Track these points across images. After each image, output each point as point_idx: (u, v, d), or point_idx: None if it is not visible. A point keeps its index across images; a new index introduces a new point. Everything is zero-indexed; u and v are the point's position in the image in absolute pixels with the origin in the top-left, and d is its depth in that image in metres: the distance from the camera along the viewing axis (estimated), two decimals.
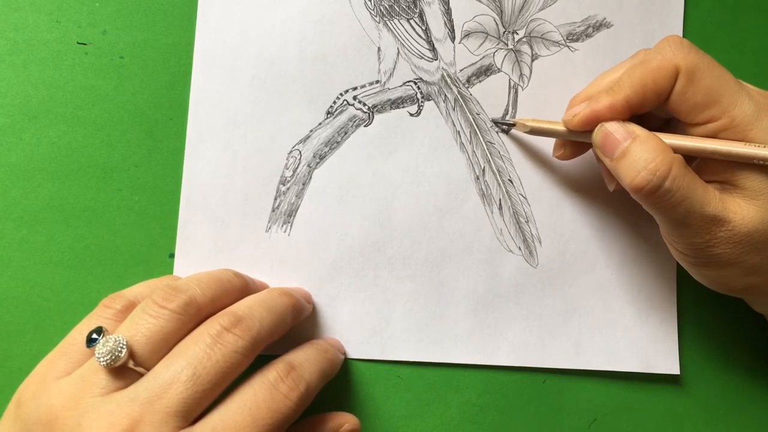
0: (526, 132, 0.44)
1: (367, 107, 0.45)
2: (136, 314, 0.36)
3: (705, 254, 0.39)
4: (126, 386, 0.34)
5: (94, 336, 0.35)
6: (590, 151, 0.46)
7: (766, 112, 0.38)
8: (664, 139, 0.39)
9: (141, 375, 0.35)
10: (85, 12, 0.45)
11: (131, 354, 0.35)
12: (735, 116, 0.38)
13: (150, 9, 0.45)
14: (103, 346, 0.34)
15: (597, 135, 0.40)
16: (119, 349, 0.34)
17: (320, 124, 0.45)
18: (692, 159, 0.39)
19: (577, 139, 0.42)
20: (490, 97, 0.46)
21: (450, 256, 0.46)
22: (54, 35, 0.44)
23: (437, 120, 0.46)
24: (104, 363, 0.34)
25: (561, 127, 0.42)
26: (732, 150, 0.38)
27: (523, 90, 0.46)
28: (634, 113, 0.40)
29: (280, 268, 0.45)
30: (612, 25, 0.47)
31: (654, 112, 0.42)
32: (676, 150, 0.38)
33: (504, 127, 0.46)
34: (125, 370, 0.34)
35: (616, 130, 0.39)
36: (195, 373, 0.34)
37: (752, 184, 0.38)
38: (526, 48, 0.47)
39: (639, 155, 0.38)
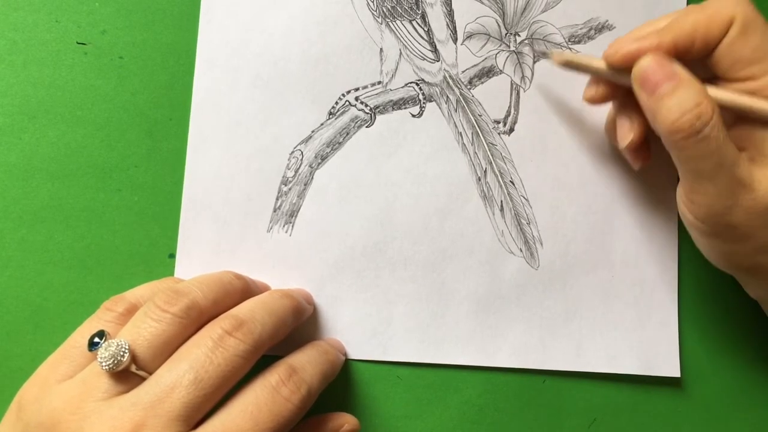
0: (560, 64, 0.42)
1: (369, 108, 0.45)
2: (138, 318, 0.36)
3: (722, 222, 0.38)
4: (128, 390, 0.34)
5: (96, 340, 0.35)
6: (589, 149, 0.46)
7: None
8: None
9: (143, 379, 0.35)
10: (85, 12, 0.44)
11: (133, 358, 0.34)
12: None
13: (149, 9, 0.45)
14: (105, 350, 0.34)
15: (639, 67, 0.38)
16: (121, 353, 0.34)
17: (322, 124, 0.45)
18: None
19: (614, 79, 0.40)
20: (492, 98, 0.46)
21: (451, 257, 0.46)
22: (53, 35, 0.44)
23: (439, 121, 0.46)
24: (106, 367, 0.34)
25: (600, 64, 0.40)
26: None
27: (524, 92, 0.46)
28: (679, 58, 0.38)
29: (281, 269, 0.45)
30: (614, 27, 0.47)
31: (692, 70, 0.40)
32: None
33: (539, 57, 0.46)
34: (127, 374, 0.34)
35: (662, 64, 0.38)
36: (197, 377, 0.34)
37: None
38: (528, 50, 0.47)
39: (685, 96, 0.36)
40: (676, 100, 0.36)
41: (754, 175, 0.37)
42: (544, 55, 0.46)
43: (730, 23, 0.37)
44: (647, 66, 0.38)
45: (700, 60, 0.39)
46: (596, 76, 0.42)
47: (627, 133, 0.41)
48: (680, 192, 0.40)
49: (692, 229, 0.41)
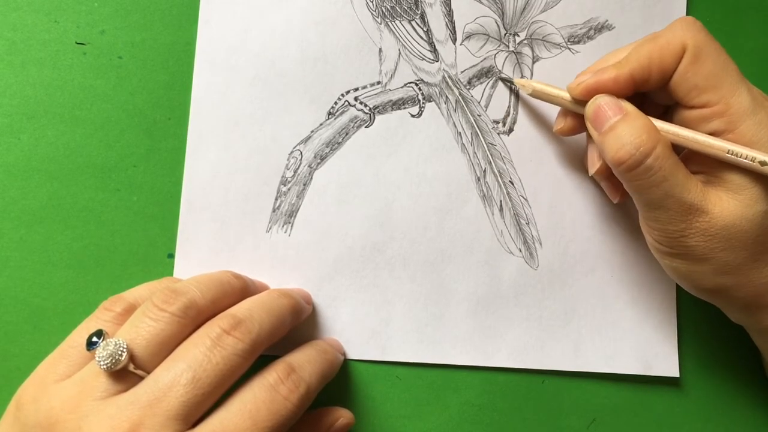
0: (528, 93, 0.44)
1: (368, 108, 0.45)
2: (137, 317, 0.36)
3: (678, 244, 0.39)
4: (126, 389, 0.34)
5: (95, 339, 0.35)
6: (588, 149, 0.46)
7: (762, 108, 0.38)
8: (653, 122, 0.39)
9: (141, 378, 0.35)
10: (84, 12, 0.44)
11: (131, 357, 0.34)
12: (731, 105, 0.38)
13: (148, 9, 0.45)
14: (103, 350, 0.34)
15: (590, 107, 0.40)
16: (119, 352, 0.34)
17: (321, 124, 0.45)
18: (683, 148, 0.40)
19: (578, 111, 0.42)
20: (491, 98, 0.46)
21: (450, 257, 0.46)
22: (52, 35, 0.44)
23: (438, 121, 0.46)
24: (104, 366, 0.34)
25: (564, 94, 0.42)
26: (708, 140, 0.38)
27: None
28: (638, 89, 0.40)
29: (280, 269, 0.45)
30: (614, 27, 0.47)
31: (656, 98, 0.42)
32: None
33: (509, 84, 0.46)
34: (125, 374, 0.34)
35: (608, 104, 0.39)
36: (195, 376, 0.34)
37: (736, 178, 0.38)
38: (527, 50, 0.47)
39: (626, 130, 0.38)
40: (616, 134, 0.38)
41: (708, 198, 0.38)
42: (510, 82, 0.46)
43: (683, 52, 0.39)
44: (597, 106, 0.40)
45: (661, 88, 0.40)
46: (563, 107, 0.43)
47: (595, 161, 0.43)
48: (640, 217, 0.42)
49: (654, 250, 0.42)
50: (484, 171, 0.46)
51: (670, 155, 0.38)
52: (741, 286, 0.40)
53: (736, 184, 0.38)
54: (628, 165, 0.38)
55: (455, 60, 0.46)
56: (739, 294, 0.40)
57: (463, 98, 0.46)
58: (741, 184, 0.38)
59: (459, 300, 0.46)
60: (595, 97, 0.40)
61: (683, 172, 0.38)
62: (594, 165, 0.43)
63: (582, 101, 0.41)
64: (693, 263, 0.40)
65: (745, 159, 0.37)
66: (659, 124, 0.39)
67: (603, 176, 0.43)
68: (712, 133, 0.39)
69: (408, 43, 0.46)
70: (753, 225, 0.38)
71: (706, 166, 0.39)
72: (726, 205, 0.38)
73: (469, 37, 0.46)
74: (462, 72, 0.46)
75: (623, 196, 0.43)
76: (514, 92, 0.46)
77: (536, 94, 0.44)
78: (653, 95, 0.42)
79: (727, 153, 0.37)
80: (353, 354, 0.45)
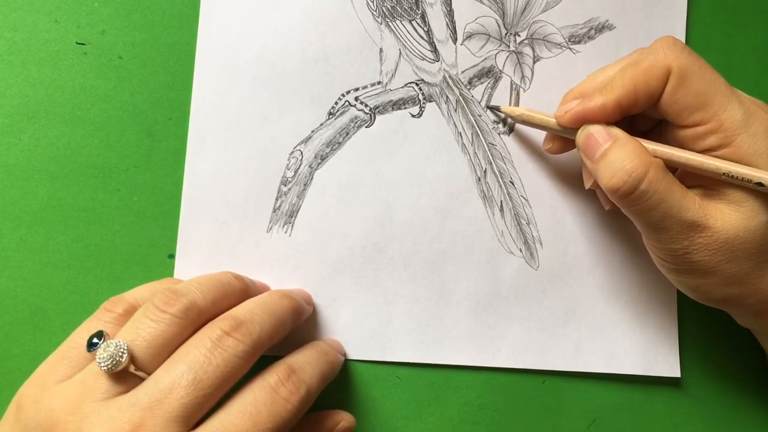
0: (516, 120, 0.44)
1: (368, 108, 0.45)
2: (137, 318, 0.36)
3: (683, 261, 0.39)
4: (127, 391, 0.34)
5: (95, 340, 0.35)
6: None
7: (755, 119, 0.38)
8: (644, 144, 0.39)
9: (142, 379, 0.35)
10: (84, 12, 0.44)
11: (132, 358, 0.34)
12: (724, 120, 0.38)
13: (149, 9, 0.45)
14: (104, 351, 0.34)
15: (580, 137, 0.40)
16: (120, 353, 0.34)
17: (322, 124, 0.45)
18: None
19: (565, 135, 0.42)
20: (492, 98, 0.46)
21: (451, 257, 0.46)
22: (53, 35, 0.44)
23: (439, 121, 0.46)
24: (105, 368, 0.34)
25: (552, 120, 0.42)
26: (704, 163, 0.38)
27: (524, 92, 0.46)
28: (626, 113, 0.40)
29: (280, 269, 0.45)
30: (614, 27, 0.47)
31: (647, 113, 0.42)
32: (655, 156, 0.39)
33: (498, 113, 0.46)
34: (126, 375, 0.34)
35: (597, 132, 0.39)
36: (196, 377, 0.34)
37: (736, 191, 0.38)
38: (527, 50, 0.47)
39: (617, 157, 0.38)
40: (608, 161, 0.38)
41: (709, 213, 0.38)
42: (497, 110, 0.46)
43: (667, 74, 0.38)
44: (586, 135, 0.40)
45: (651, 109, 0.40)
46: (551, 132, 0.43)
47: (589, 176, 0.43)
48: (643, 237, 0.42)
49: (660, 267, 0.42)
50: (485, 171, 0.46)
51: (664, 176, 0.38)
52: (750, 294, 0.40)
53: (737, 197, 0.38)
54: (623, 192, 0.38)
55: (456, 60, 0.46)
56: (748, 301, 0.40)
57: (463, 98, 0.46)
58: (741, 196, 0.38)
59: (459, 300, 0.46)
60: (583, 127, 0.40)
61: (679, 191, 0.38)
62: (589, 180, 0.43)
63: (569, 129, 0.41)
64: (700, 277, 0.39)
65: (741, 180, 0.37)
66: (652, 146, 0.39)
67: (599, 188, 0.43)
68: (708, 149, 0.38)
69: (408, 43, 0.46)
70: (756, 235, 0.38)
71: (705, 179, 0.39)
72: (728, 218, 0.38)
73: (469, 36, 0.46)
74: (462, 72, 0.46)
75: (615, 204, 0.43)
76: (515, 92, 0.46)
77: (523, 119, 0.44)
78: (646, 111, 0.42)
79: (723, 175, 0.38)
80: (354, 354, 0.45)
